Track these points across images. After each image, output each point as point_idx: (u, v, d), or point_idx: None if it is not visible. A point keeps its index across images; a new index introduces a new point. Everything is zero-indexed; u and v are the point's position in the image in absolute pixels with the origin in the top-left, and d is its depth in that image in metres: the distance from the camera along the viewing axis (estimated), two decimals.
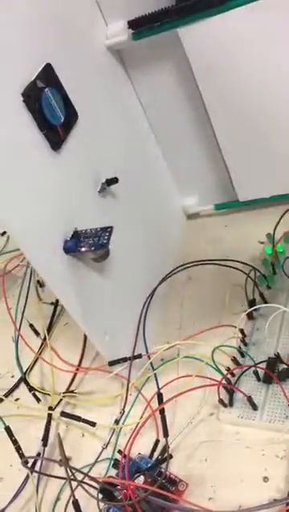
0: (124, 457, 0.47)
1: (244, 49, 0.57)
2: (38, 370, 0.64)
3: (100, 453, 0.51)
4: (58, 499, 0.49)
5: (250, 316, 0.56)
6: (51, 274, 0.47)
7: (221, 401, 0.50)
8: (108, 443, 0.50)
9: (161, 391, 0.51)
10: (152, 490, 0.41)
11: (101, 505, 0.45)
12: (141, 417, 0.50)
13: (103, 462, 0.49)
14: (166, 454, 0.47)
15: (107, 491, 0.43)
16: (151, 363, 0.53)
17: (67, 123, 0.49)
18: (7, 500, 0.51)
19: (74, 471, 0.43)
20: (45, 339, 0.66)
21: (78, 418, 0.54)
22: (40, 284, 0.72)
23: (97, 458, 0.51)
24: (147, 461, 0.47)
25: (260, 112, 0.61)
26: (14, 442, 0.53)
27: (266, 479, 0.44)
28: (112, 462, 0.48)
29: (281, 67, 0.57)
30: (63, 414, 0.55)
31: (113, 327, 0.55)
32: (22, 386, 0.63)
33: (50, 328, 0.67)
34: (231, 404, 0.50)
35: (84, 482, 0.42)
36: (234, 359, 0.52)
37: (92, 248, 0.47)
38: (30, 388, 0.61)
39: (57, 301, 0.70)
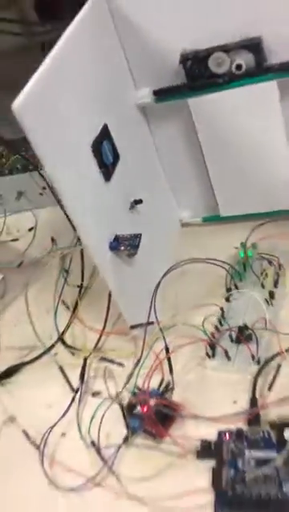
0: (140, 390, 0.57)
1: (238, 118, 0.66)
2: (70, 333, 0.73)
3: (124, 386, 0.61)
4: (93, 417, 0.58)
5: (227, 299, 0.66)
6: (101, 263, 0.58)
7: (207, 354, 0.60)
8: (130, 378, 0.61)
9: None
10: (162, 403, 0.56)
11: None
12: (153, 364, 0.60)
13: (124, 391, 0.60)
14: (171, 386, 0.58)
15: (132, 407, 0.57)
16: (160, 328, 0.62)
17: (113, 162, 0.60)
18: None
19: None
20: (74, 308, 0.75)
21: (111, 361, 0.65)
22: (67, 272, 0.81)
23: (123, 387, 0.61)
24: (156, 392, 0.57)
25: (248, 160, 0.70)
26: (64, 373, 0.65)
27: (235, 402, 0.56)
28: (133, 392, 0.58)
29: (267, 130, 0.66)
30: (102, 359, 0.65)
31: (134, 301, 0.64)
32: (59, 345, 0.71)
33: (76, 305, 0.75)
34: (214, 356, 0.60)
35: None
36: (216, 327, 0.62)
37: (128, 248, 0.59)
38: (66, 346, 0.70)
39: (81, 284, 0.78)
